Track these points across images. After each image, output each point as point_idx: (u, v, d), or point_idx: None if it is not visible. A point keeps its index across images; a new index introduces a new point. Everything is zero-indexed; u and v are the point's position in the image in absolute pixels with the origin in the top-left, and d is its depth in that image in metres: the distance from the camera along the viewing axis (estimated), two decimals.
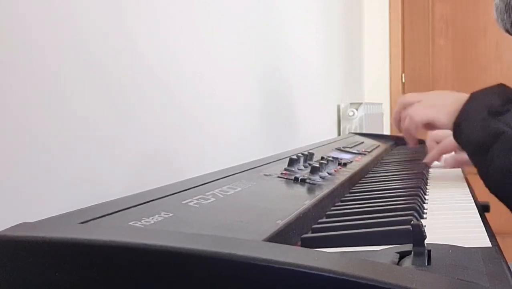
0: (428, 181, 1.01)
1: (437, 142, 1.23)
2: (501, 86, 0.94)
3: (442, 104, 0.98)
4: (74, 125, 0.62)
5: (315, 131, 1.74)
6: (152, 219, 0.47)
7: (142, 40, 0.77)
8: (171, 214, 0.49)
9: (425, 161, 1.21)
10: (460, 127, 0.91)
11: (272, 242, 0.48)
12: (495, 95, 0.91)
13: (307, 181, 0.76)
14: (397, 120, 1.09)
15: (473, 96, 0.93)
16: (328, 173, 0.84)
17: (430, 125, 1.02)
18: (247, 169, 0.78)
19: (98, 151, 0.66)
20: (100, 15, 0.68)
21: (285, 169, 0.81)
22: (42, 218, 0.44)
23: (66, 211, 0.47)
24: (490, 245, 0.52)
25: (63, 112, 0.61)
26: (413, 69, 3.08)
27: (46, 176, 0.58)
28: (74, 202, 0.57)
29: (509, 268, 0.41)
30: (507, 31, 0.99)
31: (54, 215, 0.46)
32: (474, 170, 0.98)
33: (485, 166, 0.86)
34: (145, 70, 0.77)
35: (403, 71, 3.06)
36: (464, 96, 0.94)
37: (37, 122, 0.57)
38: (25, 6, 0.56)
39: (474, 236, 0.57)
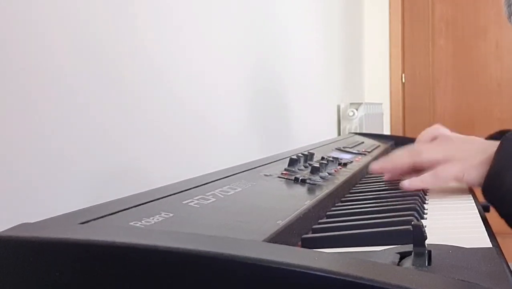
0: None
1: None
2: None
3: (469, 155, 0.83)
4: (74, 126, 0.62)
5: (315, 131, 1.74)
6: (153, 219, 0.47)
7: (143, 42, 0.77)
8: (171, 214, 0.49)
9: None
10: (501, 180, 0.76)
11: (272, 242, 0.47)
12: None
13: (308, 181, 0.76)
14: (397, 167, 0.90)
15: (507, 142, 0.79)
16: (328, 173, 0.84)
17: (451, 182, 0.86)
18: (248, 169, 0.78)
19: (100, 152, 0.66)
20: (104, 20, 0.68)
21: (285, 169, 0.81)
22: (42, 218, 0.44)
23: (66, 211, 0.47)
24: (491, 246, 0.51)
25: (59, 114, 0.61)
26: (413, 69, 3.08)
27: (46, 176, 0.58)
28: (73, 203, 0.57)
29: (509, 268, 0.41)
30: None
31: (54, 215, 0.46)
32: None
33: None
34: (144, 73, 0.77)
35: (403, 71, 3.06)
36: (489, 144, 0.81)
37: (37, 123, 0.57)
38: (32, 2, 0.56)
39: (475, 236, 0.57)
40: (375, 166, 0.91)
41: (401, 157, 0.89)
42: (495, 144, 0.79)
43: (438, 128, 1.02)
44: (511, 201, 0.76)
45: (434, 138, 0.97)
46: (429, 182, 0.84)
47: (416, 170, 0.88)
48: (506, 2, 0.97)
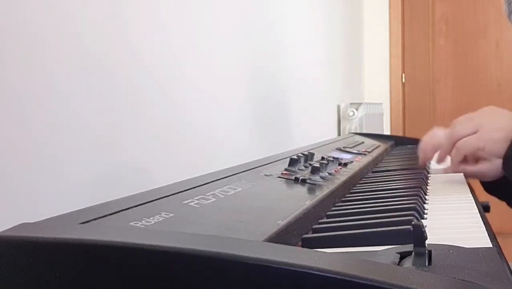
0: (429, 181, 1.01)
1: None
2: None
3: (492, 129, 0.92)
4: (74, 127, 0.62)
5: (315, 131, 1.74)
6: (153, 219, 0.47)
7: (141, 44, 0.77)
8: (171, 214, 0.49)
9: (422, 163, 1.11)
10: None
11: (272, 242, 0.47)
12: None
13: (308, 181, 0.76)
14: (447, 151, 1.01)
15: None
16: (328, 173, 0.84)
17: (475, 153, 0.96)
18: (248, 169, 0.78)
19: (99, 152, 0.66)
20: (100, 20, 0.68)
21: (286, 169, 0.81)
22: (42, 218, 0.44)
23: (66, 211, 0.47)
24: (491, 245, 0.51)
25: (59, 114, 0.61)
26: (413, 69, 3.08)
27: (46, 177, 0.58)
28: (73, 203, 0.57)
29: (509, 268, 0.41)
30: None
31: (54, 215, 0.46)
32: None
33: None
34: (143, 73, 0.77)
35: (403, 71, 3.06)
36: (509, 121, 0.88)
37: (37, 124, 0.57)
38: (24, 5, 0.56)
39: (475, 236, 0.57)
40: (438, 162, 1.03)
41: (445, 145, 1.00)
42: None
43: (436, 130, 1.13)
44: None
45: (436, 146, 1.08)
46: (456, 158, 0.97)
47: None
48: (506, 1, 0.97)
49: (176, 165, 0.84)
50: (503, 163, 0.87)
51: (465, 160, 0.99)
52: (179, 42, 0.88)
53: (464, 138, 0.94)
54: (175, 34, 0.87)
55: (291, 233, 0.54)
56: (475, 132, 0.94)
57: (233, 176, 0.71)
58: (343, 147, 1.24)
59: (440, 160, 1.01)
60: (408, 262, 0.42)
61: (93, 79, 0.66)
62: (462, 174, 1.09)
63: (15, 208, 0.54)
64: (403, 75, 3.07)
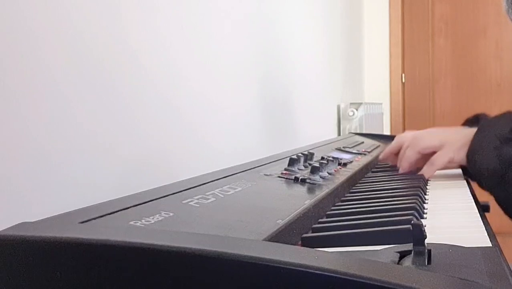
0: (428, 180, 1.01)
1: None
2: (509, 113, 0.96)
3: (455, 141, 0.99)
4: (73, 127, 0.62)
5: (315, 131, 1.74)
6: (153, 218, 0.47)
7: (141, 45, 0.77)
8: (171, 214, 0.49)
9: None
10: (474, 159, 0.93)
11: (272, 241, 0.48)
12: (504, 124, 0.93)
13: (307, 180, 0.76)
14: (412, 164, 1.05)
15: (482, 127, 0.95)
16: (328, 173, 0.84)
17: (447, 165, 1.03)
18: (247, 168, 0.78)
19: (97, 153, 0.66)
20: (99, 20, 0.68)
21: (285, 169, 0.81)
22: (42, 218, 0.44)
23: (66, 211, 0.47)
24: (490, 245, 0.52)
25: (62, 115, 0.61)
26: (413, 69, 3.09)
27: (46, 177, 0.58)
28: (73, 203, 0.57)
29: (509, 267, 0.41)
30: None
31: (54, 215, 0.46)
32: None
33: (503, 192, 0.88)
34: (144, 75, 0.77)
35: (403, 71, 3.06)
36: (472, 130, 0.96)
37: (37, 124, 0.57)
38: (21, 6, 0.56)
39: (474, 235, 0.57)
40: (402, 171, 1.05)
41: (408, 153, 1.04)
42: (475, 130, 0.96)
43: (399, 137, 1.17)
44: (484, 178, 0.92)
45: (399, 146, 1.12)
46: (429, 171, 1.01)
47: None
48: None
49: (176, 165, 0.84)
50: (467, 162, 0.95)
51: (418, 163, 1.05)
52: (180, 43, 0.88)
53: (437, 154, 1.01)
54: (176, 35, 0.87)
55: (291, 233, 0.54)
56: (440, 146, 1.01)
57: (233, 176, 0.71)
58: (343, 147, 1.24)
59: (404, 169, 1.04)
60: (407, 261, 0.42)
61: (93, 83, 0.66)
62: (462, 174, 1.09)
63: (15, 208, 0.54)
64: (403, 75, 3.07)
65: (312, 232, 0.60)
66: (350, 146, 1.29)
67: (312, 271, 0.32)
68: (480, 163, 0.91)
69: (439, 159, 1.00)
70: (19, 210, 0.54)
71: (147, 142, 0.77)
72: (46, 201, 0.58)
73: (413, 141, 1.04)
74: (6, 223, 0.40)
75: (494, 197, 0.92)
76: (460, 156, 0.97)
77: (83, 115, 0.64)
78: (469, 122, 1.14)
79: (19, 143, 0.55)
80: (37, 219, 0.43)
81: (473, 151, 0.93)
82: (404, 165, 1.04)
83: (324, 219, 0.66)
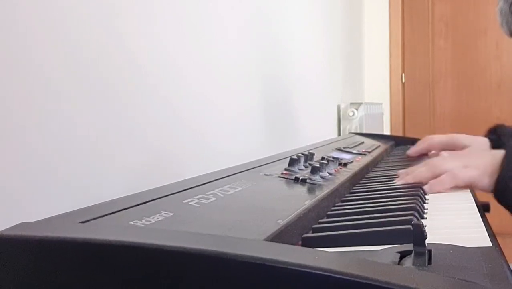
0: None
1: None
2: None
3: (482, 165, 0.91)
4: (75, 128, 0.62)
5: (315, 131, 1.74)
6: (153, 218, 0.47)
7: (140, 46, 0.77)
8: (172, 214, 0.49)
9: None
10: (507, 185, 0.86)
11: (273, 241, 0.48)
12: None
13: (308, 181, 0.76)
14: (420, 181, 0.92)
15: (510, 150, 0.88)
16: (328, 173, 0.84)
17: (466, 187, 0.92)
18: (248, 168, 0.78)
19: (98, 153, 0.66)
20: (99, 24, 0.68)
21: (286, 169, 0.81)
22: (42, 218, 0.44)
23: (66, 211, 0.47)
24: (491, 245, 0.51)
25: (65, 116, 0.61)
26: (413, 69, 3.08)
27: (46, 177, 0.58)
28: (73, 203, 0.57)
29: (509, 268, 0.41)
30: None
31: (54, 215, 0.46)
32: None
33: None
34: (144, 75, 0.77)
35: (403, 71, 3.06)
36: (499, 154, 0.89)
37: (37, 124, 0.57)
38: (16, 7, 0.56)
39: (475, 236, 0.57)
40: (399, 181, 0.94)
41: (422, 172, 0.93)
42: (503, 153, 0.88)
43: (453, 137, 1.13)
44: None
45: (428, 150, 1.07)
46: (448, 182, 0.89)
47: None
48: (498, 10, 0.98)
49: (176, 165, 0.84)
50: (497, 190, 0.87)
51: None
52: (180, 43, 0.88)
53: (460, 169, 0.91)
54: (176, 36, 0.87)
55: (291, 233, 0.54)
56: (465, 167, 0.92)
57: (233, 176, 0.71)
58: (343, 147, 1.24)
59: (406, 181, 0.93)
60: (408, 262, 0.42)
61: (97, 84, 0.66)
62: None
63: (15, 208, 0.54)
64: (403, 75, 3.07)
65: (313, 232, 0.60)
66: (350, 146, 1.28)
67: (312, 271, 0.32)
68: None
69: (463, 174, 0.90)
70: (19, 210, 0.54)
71: (148, 143, 0.77)
72: (46, 202, 0.58)
73: (434, 164, 0.94)
74: (6, 223, 0.40)
75: None
76: (485, 182, 0.89)
77: (83, 117, 0.64)
78: (491, 133, 1.09)
79: (20, 143, 0.55)
80: (37, 219, 0.43)
81: (506, 176, 0.86)
82: (410, 180, 0.94)
83: (325, 219, 0.66)
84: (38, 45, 0.58)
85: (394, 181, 0.94)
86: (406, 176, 0.94)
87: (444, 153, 1.09)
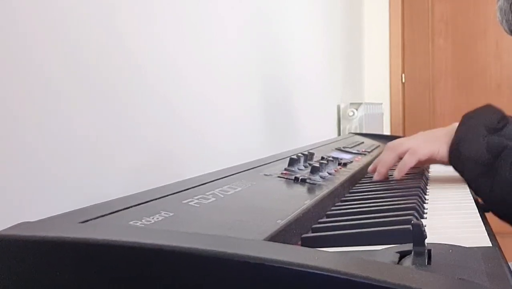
0: (428, 180, 1.01)
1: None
2: (489, 106, 0.95)
3: (440, 137, 0.96)
4: (75, 127, 0.62)
5: (315, 131, 1.74)
6: (153, 218, 0.47)
7: (140, 46, 0.77)
8: (171, 214, 0.49)
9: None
10: (459, 150, 0.90)
11: (272, 241, 0.48)
12: (488, 114, 0.92)
13: (307, 180, 0.76)
14: (389, 165, 0.98)
15: (466, 118, 0.93)
16: (328, 173, 0.84)
17: (429, 160, 0.98)
18: (248, 168, 0.78)
19: (98, 153, 0.66)
20: (100, 23, 0.68)
21: (285, 169, 0.81)
22: (42, 218, 0.44)
23: (66, 211, 0.47)
24: (490, 245, 0.52)
25: (64, 116, 0.61)
26: (413, 69, 3.08)
27: (46, 177, 0.58)
28: (73, 203, 0.57)
29: (509, 268, 0.41)
30: None
31: (54, 215, 0.46)
32: None
33: (488, 183, 0.86)
34: (144, 76, 0.77)
35: (403, 71, 3.06)
36: (454, 126, 0.94)
37: (37, 124, 0.57)
38: (14, 5, 0.56)
39: (474, 236, 0.57)
40: (371, 169, 1.00)
41: (386, 156, 0.99)
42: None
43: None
44: (469, 167, 0.89)
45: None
46: (410, 160, 0.95)
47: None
48: (498, 8, 0.99)
49: (176, 165, 0.84)
50: (451, 155, 0.92)
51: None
52: (179, 44, 0.88)
53: (419, 144, 0.96)
54: (176, 36, 0.87)
55: (291, 232, 0.54)
56: (424, 142, 0.97)
57: (233, 176, 0.71)
58: (343, 147, 1.24)
59: (380, 175, 0.97)
60: (407, 261, 0.42)
61: (95, 84, 0.66)
62: None
63: (15, 208, 0.54)
64: (403, 75, 3.07)
65: (312, 232, 0.60)
66: (350, 146, 1.29)
67: (311, 271, 0.32)
68: (467, 152, 0.89)
69: (422, 148, 0.95)
70: (19, 210, 0.54)
71: (148, 143, 0.77)
72: (46, 202, 0.58)
73: (394, 146, 0.98)
74: (6, 223, 0.40)
75: (474, 187, 0.89)
76: (444, 151, 0.94)
77: (83, 117, 0.64)
78: None
79: (20, 143, 0.55)
80: (37, 219, 0.43)
81: (457, 141, 0.91)
82: (381, 169, 0.97)
83: (324, 219, 0.66)
84: (38, 45, 0.58)
85: (373, 178, 0.98)
86: (378, 169, 0.98)
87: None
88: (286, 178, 0.77)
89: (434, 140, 0.96)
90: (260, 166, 0.82)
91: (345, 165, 0.97)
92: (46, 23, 0.59)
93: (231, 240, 0.40)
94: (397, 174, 0.95)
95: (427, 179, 1.02)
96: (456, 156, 0.91)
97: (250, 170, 0.78)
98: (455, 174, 1.09)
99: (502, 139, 0.87)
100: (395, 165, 0.99)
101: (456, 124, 0.94)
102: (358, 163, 1.07)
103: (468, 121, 0.92)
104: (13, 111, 0.54)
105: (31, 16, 0.57)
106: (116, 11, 0.71)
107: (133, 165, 0.73)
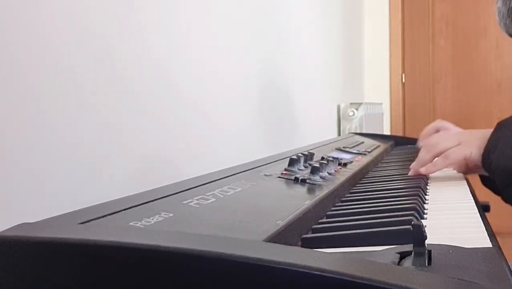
0: (429, 181, 1.01)
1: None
2: None
3: (471, 141, 0.99)
4: (75, 128, 0.62)
5: (315, 131, 1.74)
6: (153, 219, 0.47)
7: (142, 46, 0.77)
8: (171, 214, 0.49)
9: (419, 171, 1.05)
10: (490, 159, 0.92)
11: (272, 242, 0.48)
12: None
13: (308, 181, 0.76)
14: (426, 162, 1.03)
15: (499, 126, 0.95)
16: (328, 173, 0.84)
17: (464, 163, 1.02)
18: (248, 169, 0.78)
19: (98, 153, 0.66)
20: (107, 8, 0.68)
21: (285, 169, 0.81)
22: (42, 218, 0.44)
23: (66, 211, 0.47)
24: (491, 245, 0.51)
25: (64, 116, 0.61)
26: (413, 69, 3.08)
27: (46, 177, 0.58)
28: (73, 203, 0.57)
29: (509, 268, 0.41)
30: (510, 35, 1.00)
31: (54, 215, 0.46)
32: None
33: None
34: (144, 75, 0.77)
35: (403, 71, 3.06)
36: (488, 131, 0.97)
37: (37, 124, 0.57)
38: (17, 9, 0.56)
39: (475, 236, 0.57)
40: (412, 173, 1.04)
41: (422, 156, 1.04)
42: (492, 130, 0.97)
43: (439, 122, 1.23)
44: (499, 176, 0.91)
45: (437, 130, 1.18)
46: (441, 164, 1.01)
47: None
48: (497, 10, 0.99)
49: (176, 166, 0.84)
50: (482, 162, 0.95)
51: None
52: (179, 44, 0.88)
53: (452, 149, 1.00)
54: (176, 37, 0.87)
55: (291, 233, 0.54)
56: (458, 145, 1.01)
57: (233, 176, 0.71)
58: (343, 147, 1.24)
59: (415, 172, 1.03)
60: (407, 262, 0.42)
61: (96, 80, 0.66)
62: (462, 174, 1.09)
63: (15, 208, 0.54)
64: (403, 75, 3.07)
65: (312, 233, 0.60)
66: (350, 146, 1.28)
67: (312, 271, 0.32)
68: (496, 161, 0.90)
69: (455, 153, 0.99)
70: (19, 210, 0.54)
71: (147, 143, 0.77)
72: (46, 202, 0.58)
73: (432, 145, 1.03)
74: (6, 223, 0.40)
75: (505, 196, 0.92)
76: (477, 155, 0.97)
77: (82, 117, 0.64)
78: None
79: (20, 143, 0.55)
80: (37, 219, 0.43)
81: (489, 149, 0.93)
82: (416, 166, 1.03)
83: (324, 220, 0.66)
84: (38, 45, 0.58)
85: (408, 174, 1.03)
86: (414, 166, 1.03)
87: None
88: (286, 178, 0.76)
89: (469, 144, 0.99)
90: (260, 166, 0.82)
91: (345, 165, 0.97)
92: (46, 23, 0.59)
93: (231, 241, 0.40)
94: (424, 170, 1.01)
95: (427, 179, 1.02)
96: (487, 164, 0.94)
97: (250, 170, 0.78)
98: (455, 174, 1.09)
99: None
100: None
101: (490, 130, 0.97)
102: (358, 163, 1.07)
103: (499, 130, 0.94)
104: (13, 112, 0.54)
105: (31, 16, 0.57)
106: (116, 11, 0.71)
107: (133, 165, 0.73)
